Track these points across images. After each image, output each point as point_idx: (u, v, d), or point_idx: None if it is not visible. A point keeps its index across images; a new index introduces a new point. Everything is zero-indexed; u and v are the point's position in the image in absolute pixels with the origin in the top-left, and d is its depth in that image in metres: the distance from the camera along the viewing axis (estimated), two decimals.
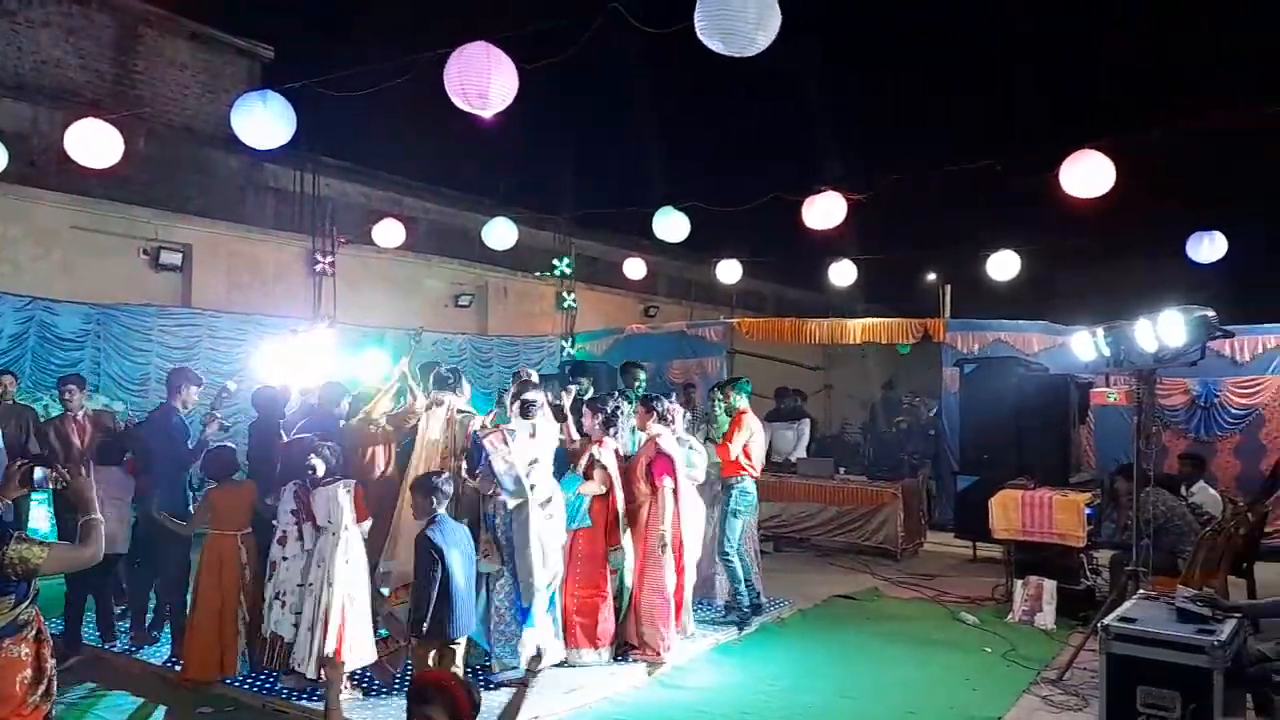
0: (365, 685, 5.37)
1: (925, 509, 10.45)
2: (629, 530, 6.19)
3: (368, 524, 5.35)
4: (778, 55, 4.91)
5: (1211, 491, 7.67)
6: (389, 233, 11.55)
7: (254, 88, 8.42)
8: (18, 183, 9.71)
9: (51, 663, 3.27)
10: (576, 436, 6.25)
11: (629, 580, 6.16)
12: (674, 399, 6.92)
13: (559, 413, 6.19)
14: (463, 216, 15.57)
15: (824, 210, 8.92)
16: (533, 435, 5.65)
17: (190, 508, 6.06)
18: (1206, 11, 19.88)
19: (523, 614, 5.49)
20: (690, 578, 6.41)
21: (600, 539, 6.01)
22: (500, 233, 11.04)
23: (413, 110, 10.65)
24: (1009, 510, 7.54)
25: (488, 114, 5.39)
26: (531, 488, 5.49)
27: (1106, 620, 4.36)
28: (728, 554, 6.90)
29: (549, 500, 5.62)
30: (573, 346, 14.10)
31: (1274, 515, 8.29)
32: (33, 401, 8.08)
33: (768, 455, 8.19)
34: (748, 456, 6.99)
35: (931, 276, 18.93)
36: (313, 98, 6.61)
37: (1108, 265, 19.98)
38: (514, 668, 5.43)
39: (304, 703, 5.14)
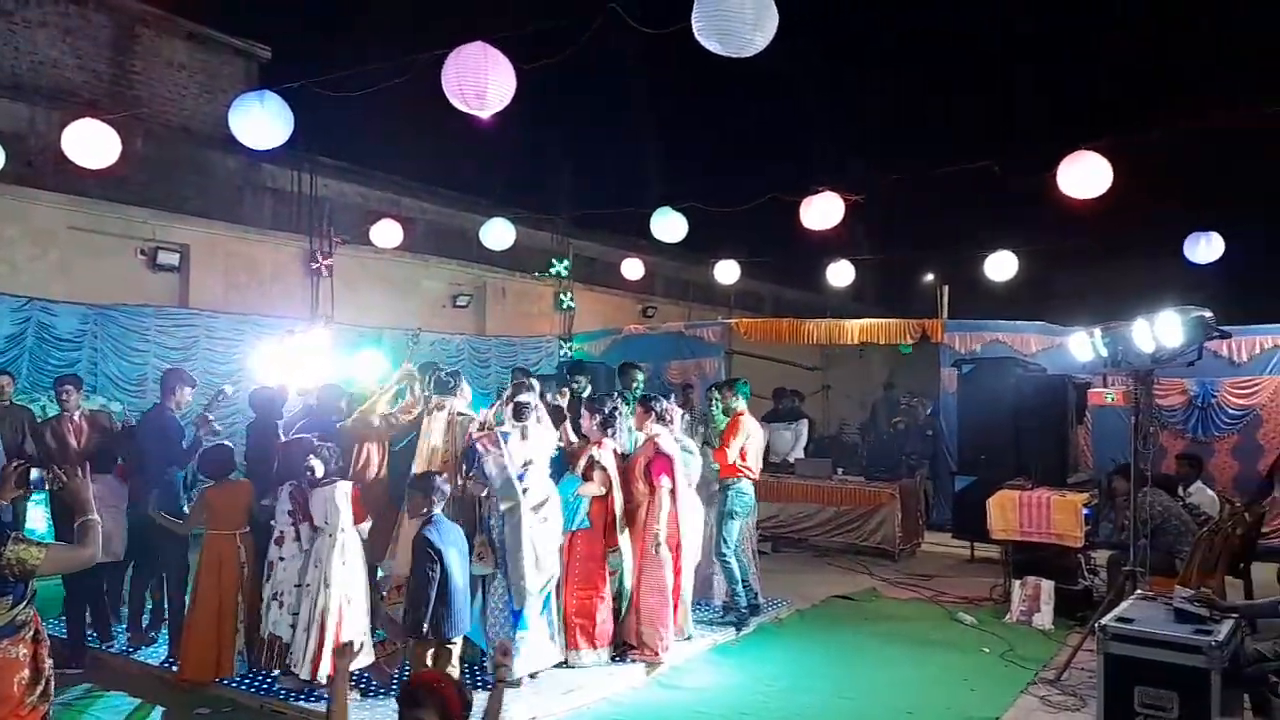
0: (363, 687, 5.35)
1: (923, 509, 10.44)
2: (627, 530, 6.18)
3: (366, 525, 5.36)
4: (775, 55, 4.91)
5: (1209, 492, 7.69)
6: (387, 233, 11.53)
7: (251, 88, 8.42)
8: (15, 183, 9.70)
9: (49, 663, 3.27)
10: (574, 438, 6.25)
11: (628, 581, 6.16)
12: (672, 399, 6.92)
13: (557, 413, 6.18)
14: (460, 217, 15.56)
15: (822, 211, 8.91)
16: (524, 438, 5.63)
17: (185, 507, 6.05)
18: (1206, 11, 19.94)
19: (515, 616, 5.48)
20: (688, 578, 6.42)
21: (599, 540, 6.00)
22: (498, 233, 11.03)
23: (410, 110, 10.65)
24: (1007, 510, 7.55)
25: (486, 114, 5.39)
26: (524, 491, 5.47)
27: (1104, 620, 4.38)
28: (725, 555, 6.90)
29: (543, 503, 5.59)
30: (571, 347, 14.09)
31: (1271, 516, 8.31)
32: (30, 402, 8.05)
33: (766, 456, 8.18)
34: (745, 459, 6.98)
35: (930, 277, 18.95)
36: (310, 98, 6.60)
37: (1106, 266, 19.96)
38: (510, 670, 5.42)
39: (301, 703, 5.13)
